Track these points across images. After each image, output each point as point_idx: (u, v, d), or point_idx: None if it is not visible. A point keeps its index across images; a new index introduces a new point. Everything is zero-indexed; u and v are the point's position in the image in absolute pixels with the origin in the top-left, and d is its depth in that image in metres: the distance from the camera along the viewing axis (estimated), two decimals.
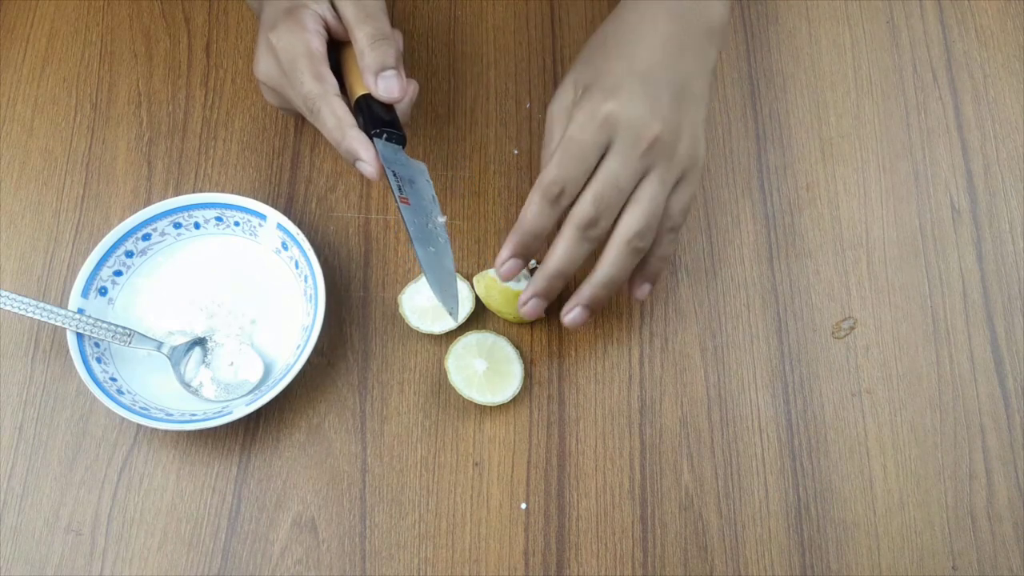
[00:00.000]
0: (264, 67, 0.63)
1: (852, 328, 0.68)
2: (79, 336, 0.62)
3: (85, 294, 0.64)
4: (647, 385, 0.66)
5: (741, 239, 0.70)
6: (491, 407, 0.65)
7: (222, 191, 0.69)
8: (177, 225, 0.67)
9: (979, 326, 0.68)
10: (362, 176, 0.71)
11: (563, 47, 0.76)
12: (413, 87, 0.64)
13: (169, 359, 0.64)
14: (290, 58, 0.61)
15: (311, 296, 0.64)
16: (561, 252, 0.59)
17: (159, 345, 0.64)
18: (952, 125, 0.74)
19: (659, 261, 0.62)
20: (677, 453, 0.64)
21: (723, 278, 0.69)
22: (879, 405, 0.65)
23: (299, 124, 0.73)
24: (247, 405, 0.61)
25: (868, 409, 0.65)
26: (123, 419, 0.64)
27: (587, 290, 0.61)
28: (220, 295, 0.67)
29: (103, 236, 0.65)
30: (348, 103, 0.62)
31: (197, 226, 0.68)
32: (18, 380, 0.65)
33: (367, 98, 0.62)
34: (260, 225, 0.67)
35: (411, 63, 0.75)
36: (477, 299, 0.67)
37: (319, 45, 0.61)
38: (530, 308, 0.62)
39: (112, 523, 0.62)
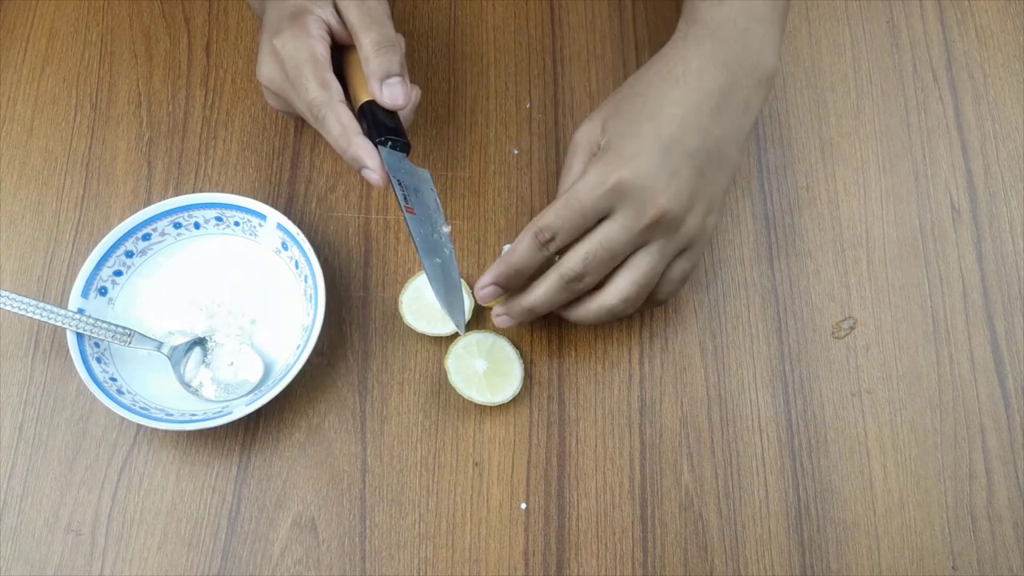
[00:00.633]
0: (267, 72, 0.62)
1: (852, 328, 0.68)
2: (79, 336, 0.62)
3: (85, 294, 0.64)
4: (647, 385, 0.66)
5: (741, 239, 0.70)
6: (491, 407, 0.65)
7: (222, 191, 0.69)
8: (177, 225, 0.67)
9: (979, 326, 0.68)
10: (363, 177, 0.71)
11: (563, 47, 0.76)
12: (416, 93, 0.64)
13: (169, 359, 0.64)
14: (295, 64, 0.60)
15: (311, 296, 0.64)
16: (541, 293, 0.60)
17: (159, 345, 0.64)
18: (952, 125, 0.74)
19: (628, 311, 0.62)
20: (677, 453, 0.64)
21: (723, 278, 0.69)
22: (879, 405, 0.65)
23: (299, 125, 0.73)
24: (247, 405, 0.61)
25: (868, 409, 0.65)
26: (123, 419, 0.64)
27: (565, 312, 0.62)
28: (220, 295, 0.67)
29: (103, 236, 0.65)
30: (352, 108, 0.62)
31: (197, 226, 0.68)
32: (18, 380, 0.65)
33: (371, 104, 0.62)
34: (260, 225, 0.67)
35: (411, 63, 0.75)
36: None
37: (323, 51, 0.61)
38: (500, 322, 0.63)
39: (112, 523, 0.62)
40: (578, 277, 0.59)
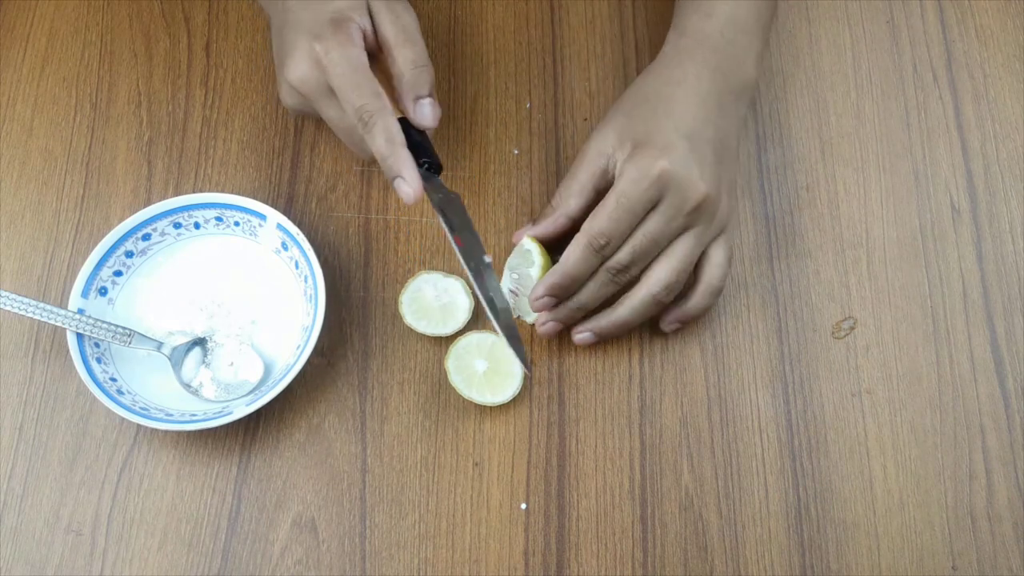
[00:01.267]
0: (302, 72, 0.60)
1: (852, 328, 0.68)
2: (79, 336, 0.63)
3: (85, 294, 0.64)
4: (647, 385, 0.66)
5: (741, 239, 0.70)
6: (491, 407, 0.65)
7: (222, 191, 0.69)
8: (177, 225, 0.67)
9: (979, 326, 0.68)
10: (362, 176, 0.71)
11: (563, 47, 0.76)
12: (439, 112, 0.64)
13: (169, 359, 0.64)
14: (345, 71, 0.59)
15: (311, 296, 0.64)
16: (590, 289, 0.62)
17: (159, 345, 0.64)
18: (952, 125, 0.74)
19: (697, 311, 0.65)
20: (677, 453, 0.64)
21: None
22: (879, 405, 0.65)
23: (299, 125, 0.73)
24: (247, 405, 0.61)
25: (868, 409, 0.65)
26: (123, 419, 0.64)
27: (603, 323, 0.64)
28: (220, 295, 0.67)
29: (103, 236, 0.65)
30: None
31: (197, 226, 0.68)
32: (18, 380, 0.65)
33: (401, 121, 0.61)
34: (260, 225, 0.67)
35: None
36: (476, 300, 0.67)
37: (367, 61, 0.61)
38: (547, 330, 0.64)
39: (112, 523, 0.62)
40: (625, 268, 0.61)
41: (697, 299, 0.64)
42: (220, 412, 0.62)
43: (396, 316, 0.67)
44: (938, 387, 0.66)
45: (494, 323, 0.61)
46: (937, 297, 0.68)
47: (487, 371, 0.64)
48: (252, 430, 0.64)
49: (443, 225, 0.61)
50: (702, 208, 0.61)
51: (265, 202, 0.67)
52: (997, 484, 0.63)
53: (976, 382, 0.66)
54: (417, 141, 0.61)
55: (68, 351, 0.62)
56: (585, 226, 0.61)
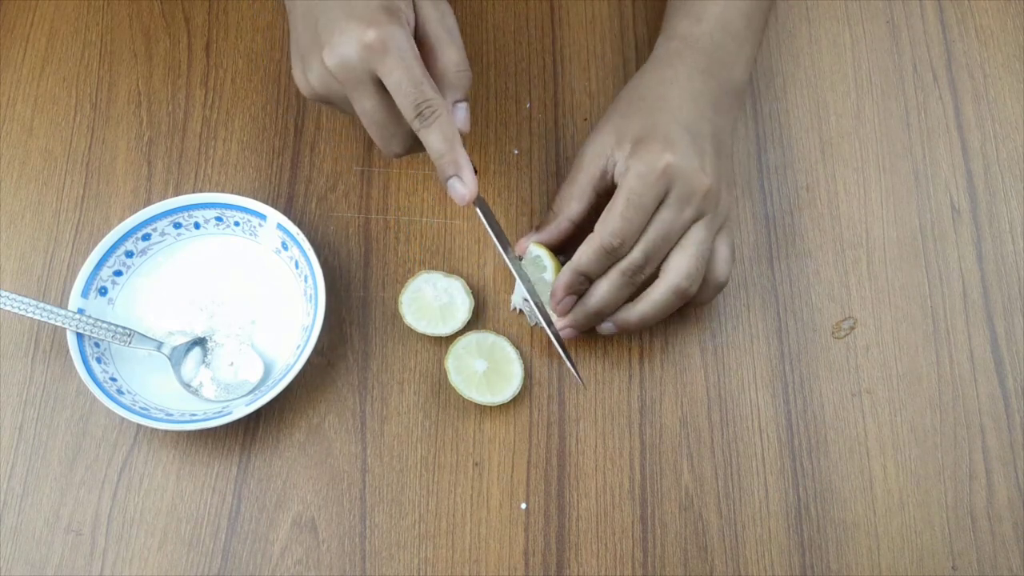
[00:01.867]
0: (345, 58, 0.57)
1: (852, 328, 0.68)
2: (79, 336, 0.63)
3: (85, 294, 0.64)
4: (647, 385, 0.66)
5: (741, 239, 0.70)
6: (491, 407, 0.65)
7: (222, 191, 0.69)
8: (177, 225, 0.67)
9: (979, 326, 0.68)
10: (362, 176, 0.71)
11: (563, 47, 0.76)
12: None
13: (169, 359, 0.64)
14: (403, 63, 0.57)
15: (311, 296, 0.64)
16: (604, 293, 0.62)
17: (159, 345, 0.64)
18: (952, 125, 0.74)
19: (700, 304, 0.65)
20: (677, 453, 0.64)
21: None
22: (879, 405, 0.65)
23: (299, 124, 0.73)
24: (247, 405, 0.61)
25: (868, 409, 0.65)
26: (123, 419, 0.63)
27: (626, 316, 0.63)
28: (220, 295, 0.67)
29: (103, 236, 0.65)
30: (403, 130, 0.60)
31: (197, 226, 0.68)
32: (18, 380, 0.65)
33: None
34: (260, 225, 0.67)
35: None
36: (476, 299, 0.67)
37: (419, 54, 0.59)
38: (564, 335, 0.64)
39: (112, 523, 0.62)
40: (639, 268, 0.61)
41: (703, 293, 0.64)
42: (220, 412, 0.62)
43: (396, 316, 0.67)
44: (938, 387, 0.66)
45: (547, 311, 0.63)
46: (937, 297, 0.68)
47: (487, 371, 0.64)
48: (252, 430, 0.64)
49: (485, 224, 0.62)
50: (708, 198, 0.61)
51: (265, 202, 0.67)
52: (997, 484, 0.63)
53: (976, 382, 0.66)
54: None
55: (68, 351, 0.62)
56: (598, 227, 0.61)
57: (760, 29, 0.69)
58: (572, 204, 0.63)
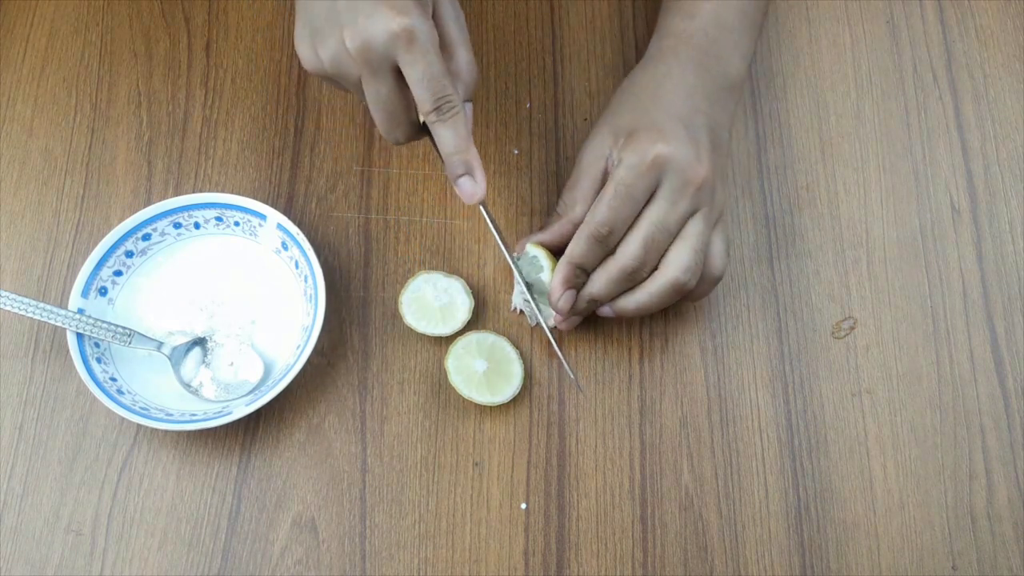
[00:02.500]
0: (369, 41, 0.55)
1: (852, 328, 0.68)
2: (79, 336, 0.63)
3: (85, 294, 0.64)
4: (647, 385, 0.66)
5: (741, 239, 0.70)
6: (491, 407, 0.65)
7: (222, 191, 0.69)
8: (177, 225, 0.67)
9: (979, 326, 0.68)
10: (362, 176, 0.71)
11: (563, 47, 0.76)
12: None
13: (169, 359, 0.64)
14: (429, 55, 0.56)
15: (311, 296, 0.64)
16: (603, 286, 0.62)
17: (159, 345, 0.64)
18: (952, 125, 0.74)
19: (696, 298, 0.65)
20: (677, 453, 0.64)
21: (723, 278, 0.68)
22: (879, 405, 0.65)
23: (299, 124, 0.73)
24: (247, 405, 0.61)
25: (868, 409, 0.65)
26: (123, 419, 0.64)
27: (624, 304, 0.63)
28: (220, 295, 0.67)
29: (103, 236, 0.65)
30: (410, 119, 0.60)
31: (197, 226, 0.68)
32: (18, 380, 0.65)
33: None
34: (260, 225, 0.67)
35: None
36: (476, 299, 0.67)
37: None
38: (565, 325, 0.64)
39: (112, 523, 0.62)
40: (641, 265, 0.61)
41: (699, 288, 0.64)
42: (220, 412, 0.62)
43: (396, 316, 0.67)
44: (938, 387, 0.66)
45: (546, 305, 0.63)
46: (937, 297, 0.68)
47: (487, 371, 0.64)
48: (252, 430, 0.64)
49: (489, 223, 0.63)
50: (702, 189, 0.61)
51: (265, 202, 0.67)
52: (997, 484, 0.63)
53: (976, 382, 0.66)
54: None
55: (68, 351, 0.62)
56: (588, 217, 0.61)
57: (756, 24, 0.69)
58: (576, 208, 0.63)
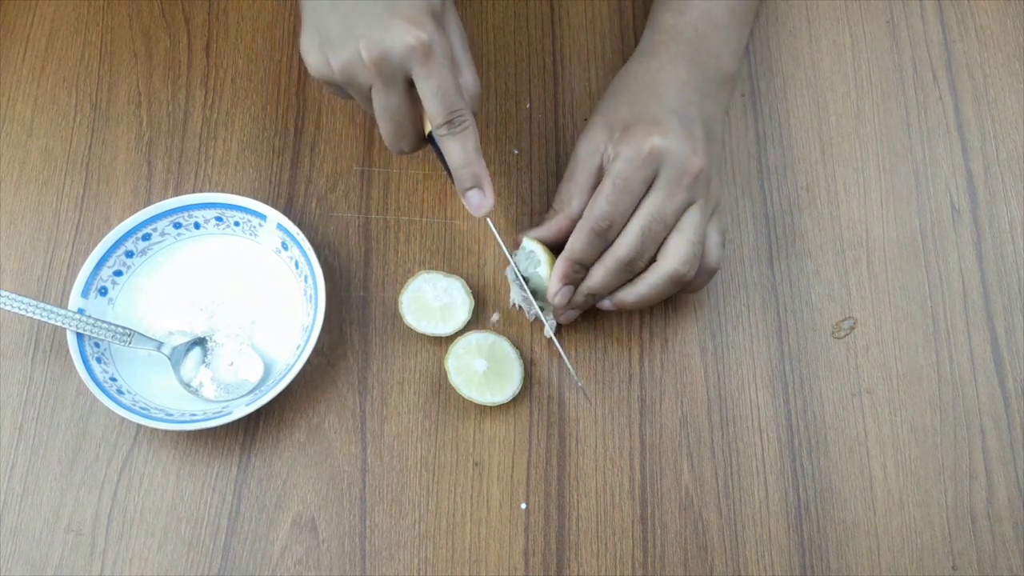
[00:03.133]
0: (386, 52, 0.56)
1: (852, 328, 0.68)
2: (79, 336, 0.63)
3: (85, 294, 0.64)
4: (647, 385, 0.66)
5: (741, 239, 0.70)
6: (491, 407, 0.65)
7: (222, 191, 0.69)
8: (177, 225, 0.67)
9: (979, 326, 0.68)
10: (362, 176, 0.71)
11: (563, 47, 0.76)
12: None
13: (169, 359, 0.64)
14: (445, 69, 0.57)
15: (311, 296, 0.64)
16: (601, 279, 0.62)
17: (159, 345, 0.64)
18: (952, 125, 0.74)
19: (693, 291, 0.65)
20: (677, 453, 0.64)
21: (723, 278, 0.68)
22: (879, 405, 0.65)
23: (299, 124, 0.73)
24: (247, 405, 0.61)
25: (868, 409, 0.65)
26: (123, 419, 0.64)
27: (624, 296, 0.63)
28: (220, 295, 0.67)
29: (103, 236, 0.65)
30: (416, 131, 0.61)
31: (197, 226, 0.68)
32: (18, 380, 0.65)
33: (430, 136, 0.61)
34: (260, 225, 0.67)
35: None
36: (476, 299, 0.67)
37: None
38: (564, 319, 0.65)
39: (112, 523, 0.62)
40: (638, 256, 0.61)
41: (696, 279, 0.63)
42: (220, 412, 0.62)
43: (396, 316, 0.67)
44: (938, 387, 0.66)
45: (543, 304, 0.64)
46: (937, 297, 0.68)
47: (487, 371, 0.64)
48: (252, 430, 0.64)
49: (494, 232, 0.63)
50: (699, 180, 0.61)
51: (265, 202, 0.67)
52: (997, 484, 0.63)
53: (976, 382, 0.66)
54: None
55: (68, 351, 0.62)
56: (586, 212, 0.61)
57: (746, 22, 0.69)
58: (572, 202, 0.63)
